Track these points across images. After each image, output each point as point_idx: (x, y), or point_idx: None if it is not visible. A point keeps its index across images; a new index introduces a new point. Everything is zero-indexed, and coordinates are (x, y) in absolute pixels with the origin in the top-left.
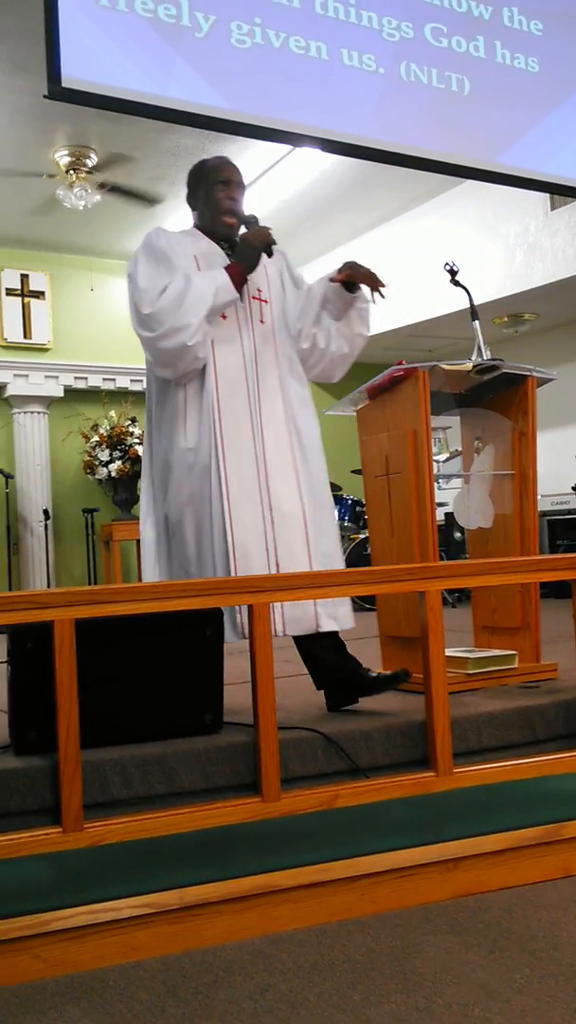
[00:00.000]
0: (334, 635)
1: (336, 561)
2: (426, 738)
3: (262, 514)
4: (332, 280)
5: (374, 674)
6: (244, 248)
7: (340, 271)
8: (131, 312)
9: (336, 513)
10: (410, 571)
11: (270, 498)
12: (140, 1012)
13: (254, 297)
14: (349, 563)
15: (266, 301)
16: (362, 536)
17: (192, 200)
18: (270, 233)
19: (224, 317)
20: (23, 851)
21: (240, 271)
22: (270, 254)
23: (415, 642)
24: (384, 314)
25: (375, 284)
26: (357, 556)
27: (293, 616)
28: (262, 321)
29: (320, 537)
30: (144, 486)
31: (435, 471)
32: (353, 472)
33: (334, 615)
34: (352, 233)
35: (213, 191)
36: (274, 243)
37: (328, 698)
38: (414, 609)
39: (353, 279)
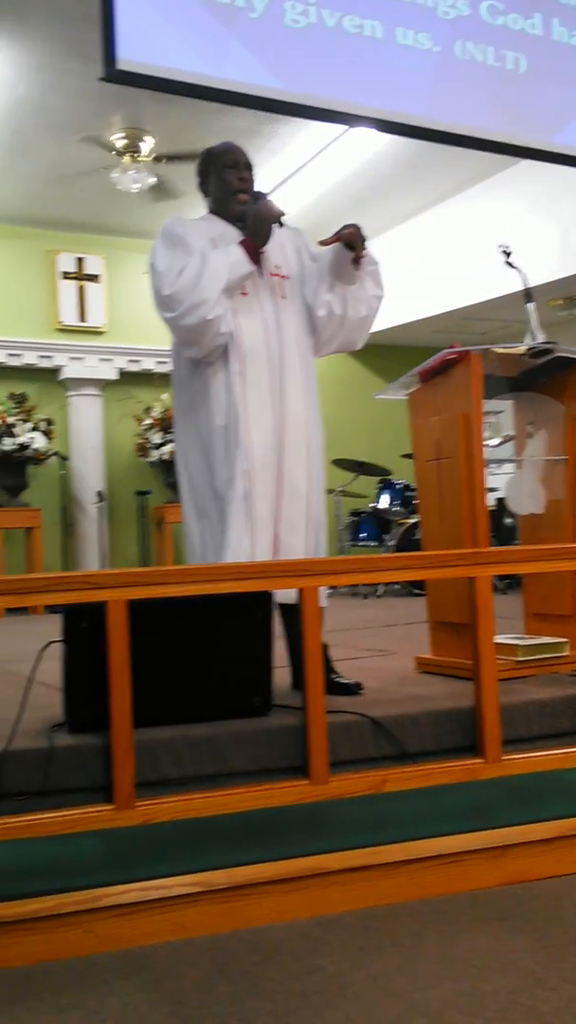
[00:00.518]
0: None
1: (324, 537)
2: (475, 725)
3: (275, 490)
4: (322, 243)
5: (334, 677)
6: (255, 222)
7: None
8: (153, 297)
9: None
10: (460, 557)
11: (282, 473)
12: (189, 989)
13: (273, 274)
14: (398, 548)
15: (286, 277)
16: (411, 521)
17: (204, 187)
18: (277, 206)
19: (245, 294)
20: (77, 827)
21: (253, 245)
22: (280, 224)
23: (464, 628)
24: (436, 297)
25: (354, 243)
26: (406, 542)
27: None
28: (283, 296)
29: (317, 514)
30: (178, 470)
31: (486, 456)
32: (403, 456)
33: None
34: (405, 214)
35: (223, 174)
36: (283, 214)
37: (293, 675)
38: (464, 595)
39: (339, 239)
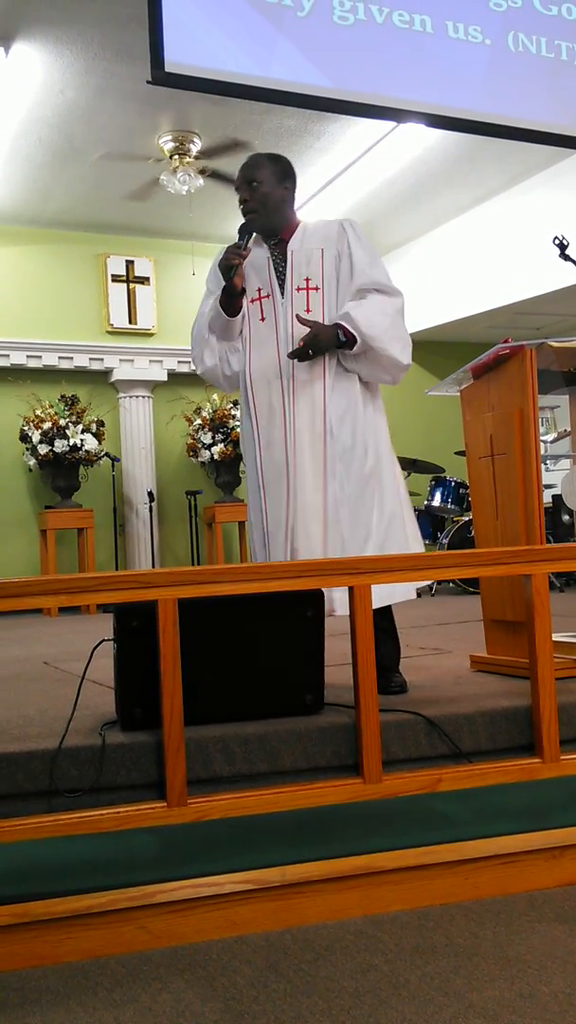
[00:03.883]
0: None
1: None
2: (531, 724)
3: (286, 504)
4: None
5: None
6: (221, 271)
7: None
8: None
9: (383, 502)
10: (515, 554)
11: (295, 491)
12: (243, 986)
13: (299, 288)
14: (452, 546)
15: (316, 289)
16: (465, 519)
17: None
18: (231, 250)
19: (263, 319)
20: (129, 824)
21: (221, 294)
22: (237, 264)
23: (520, 626)
24: (490, 292)
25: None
26: (460, 539)
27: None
28: (309, 310)
29: (345, 530)
30: None
31: (542, 452)
32: (457, 453)
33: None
34: (457, 209)
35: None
36: (235, 256)
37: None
38: (519, 593)
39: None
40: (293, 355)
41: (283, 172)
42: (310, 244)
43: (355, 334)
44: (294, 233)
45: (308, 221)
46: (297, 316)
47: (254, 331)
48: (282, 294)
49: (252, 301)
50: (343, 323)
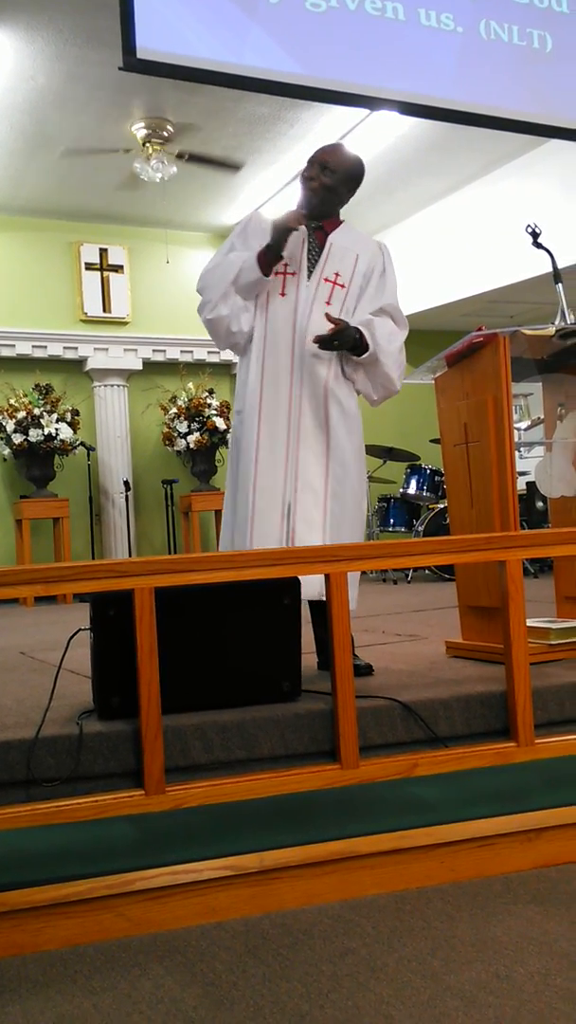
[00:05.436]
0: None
1: (354, 536)
2: (506, 708)
3: (284, 483)
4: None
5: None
6: (274, 228)
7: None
8: None
9: (366, 487)
10: (490, 540)
11: (297, 469)
12: (221, 972)
13: (327, 279)
14: (427, 533)
15: (343, 286)
16: (440, 506)
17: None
18: (298, 214)
19: (283, 295)
20: (108, 812)
21: (264, 251)
22: (295, 229)
23: (495, 612)
24: (464, 280)
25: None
26: (436, 526)
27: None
28: (329, 303)
29: (347, 511)
30: None
31: (516, 439)
32: (431, 441)
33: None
34: (430, 198)
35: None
36: (300, 222)
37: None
38: (494, 579)
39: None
40: (320, 340)
41: (355, 179)
42: (349, 244)
43: (371, 343)
44: (337, 228)
45: (351, 224)
46: (327, 315)
47: (271, 303)
48: (308, 277)
49: (276, 273)
50: (363, 330)
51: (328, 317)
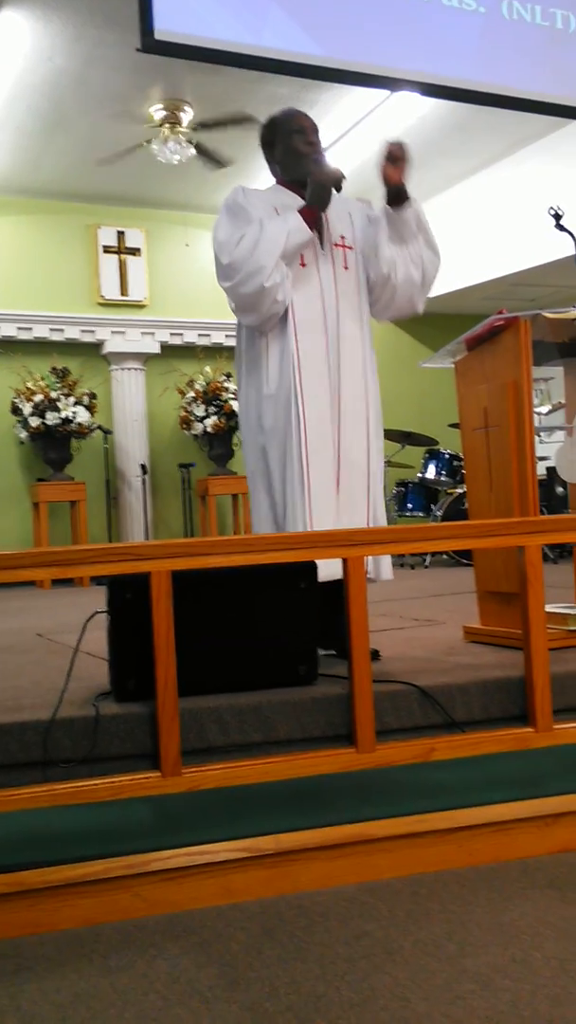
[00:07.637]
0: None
1: (382, 510)
2: (524, 694)
3: (335, 461)
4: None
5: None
6: (313, 188)
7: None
8: (215, 267)
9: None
10: (509, 526)
11: (340, 445)
12: (237, 952)
13: (336, 244)
14: (445, 518)
15: (350, 247)
16: (459, 491)
17: (270, 157)
18: (337, 169)
19: (303, 265)
20: (125, 793)
21: (312, 211)
22: (339, 189)
23: (513, 598)
24: (485, 263)
25: (395, 157)
26: (454, 511)
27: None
28: (345, 267)
29: (376, 486)
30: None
31: (536, 424)
32: (451, 426)
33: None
34: (451, 180)
35: (290, 140)
36: (342, 177)
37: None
38: (513, 565)
39: (386, 179)
40: (393, 194)
41: None
42: (340, 206)
43: (413, 203)
44: None
45: None
46: (390, 147)
47: (295, 273)
48: (321, 246)
49: None
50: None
51: (390, 152)
